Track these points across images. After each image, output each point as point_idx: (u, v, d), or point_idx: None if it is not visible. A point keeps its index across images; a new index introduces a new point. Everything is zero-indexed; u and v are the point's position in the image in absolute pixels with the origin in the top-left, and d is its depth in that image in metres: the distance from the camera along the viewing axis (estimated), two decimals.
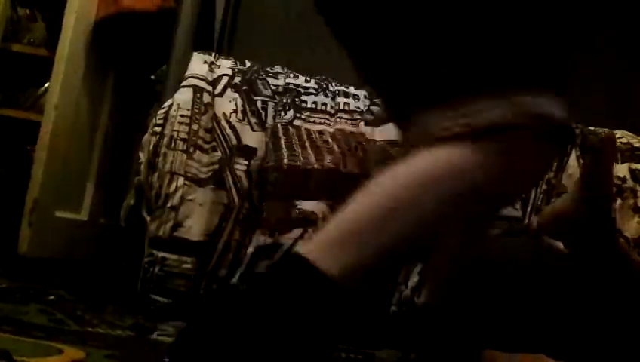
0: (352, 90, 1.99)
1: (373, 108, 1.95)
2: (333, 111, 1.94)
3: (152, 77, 2.59)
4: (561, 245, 1.66)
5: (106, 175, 2.53)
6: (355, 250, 0.94)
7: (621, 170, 1.93)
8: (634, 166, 1.94)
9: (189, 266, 1.80)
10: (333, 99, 1.97)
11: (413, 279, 1.81)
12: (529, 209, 1.90)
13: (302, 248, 0.95)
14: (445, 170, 0.96)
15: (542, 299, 1.31)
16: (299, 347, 0.91)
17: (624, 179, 1.92)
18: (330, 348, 1.05)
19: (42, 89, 2.56)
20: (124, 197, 1.97)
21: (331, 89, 1.99)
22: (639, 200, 1.90)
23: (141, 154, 1.89)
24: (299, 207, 1.82)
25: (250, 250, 1.81)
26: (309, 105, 1.95)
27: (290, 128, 1.90)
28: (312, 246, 0.94)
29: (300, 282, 0.91)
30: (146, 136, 1.88)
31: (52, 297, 1.79)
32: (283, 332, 0.90)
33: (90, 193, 2.49)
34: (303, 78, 2.01)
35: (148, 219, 1.84)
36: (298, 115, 1.92)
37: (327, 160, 1.86)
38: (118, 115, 2.56)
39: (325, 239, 0.95)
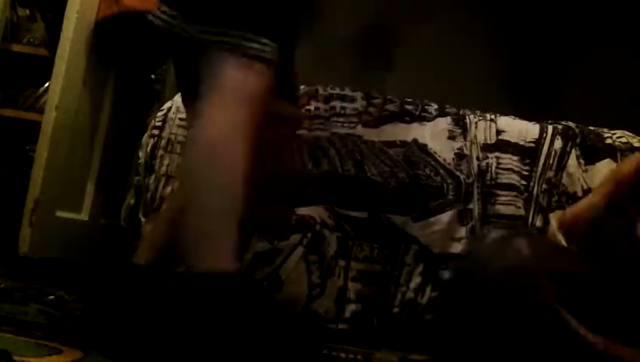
0: (348, 92, 1.99)
1: (371, 109, 1.95)
2: (327, 115, 1.94)
3: (152, 77, 2.60)
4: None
5: (106, 175, 2.53)
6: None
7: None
8: None
9: (182, 269, 1.80)
10: (326, 103, 1.96)
11: (416, 280, 1.81)
12: (532, 208, 1.90)
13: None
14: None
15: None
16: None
17: None
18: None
19: (42, 89, 2.56)
20: (124, 197, 1.98)
21: (322, 93, 1.98)
22: None
23: (140, 155, 1.89)
24: (297, 212, 1.82)
25: (248, 256, 1.81)
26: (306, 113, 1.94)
27: None
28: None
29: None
30: (145, 138, 1.88)
31: (52, 297, 1.79)
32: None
33: (90, 193, 2.49)
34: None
35: (143, 220, 1.84)
36: None
37: (325, 164, 1.86)
38: (118, 115, 2.56)
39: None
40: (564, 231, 1.15)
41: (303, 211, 1.82)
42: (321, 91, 1.98)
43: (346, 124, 1.93)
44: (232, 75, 1.19)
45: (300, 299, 1.78)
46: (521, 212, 1.88)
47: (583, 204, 1.14)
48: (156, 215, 1.74)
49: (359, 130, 1.92)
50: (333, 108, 1.95)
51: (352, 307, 1.79)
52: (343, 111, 1.95)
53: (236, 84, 1.19)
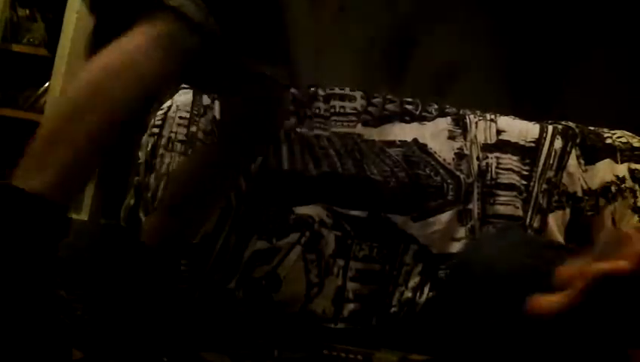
0: (347, 91, 1.99)
1: (371, 108, 1.95)
2: (327, 115, 1.94)
3: None
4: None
5: (106, 175, 2.53)
6: (53, 159, 1.03)
7: (621, 169, 1.93)
8: (633, 166, 1.94)
9: (182, 268, 1.81)
10: (326, 102, 1.96)
11: (414, 280, 1.82)
12: (531, 208, 1.90)
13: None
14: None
15: None
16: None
17: (623, 179, 1.92)
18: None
19: (42, 89, 2.56)
20: (124, 197, 1.97)
21: (321, 93, 1.98)
22: (639, 200, 1.91)
23: (140, 155, 1.89)
24: (296, 211, 1.82)
25: (247, 254, 1.81)
26: (307, 113, 1.94)
27: (292, 134, 1.90)
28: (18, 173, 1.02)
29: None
30: (145, 137, 1.89)
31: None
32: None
33: (90, 193, 2.49)
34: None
35: (144, 219, 1.84)
36: (300, 122, 1.92)
37: (324, 163, 1.86)
38: None
39: (26, 160, 1.04)
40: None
41: (301, 210, 1.82)
42: (321, 91, 1.98)
43: (345, 123, 1.93)
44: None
45: (298, 298, 1.78)
46: (520, 212, 1.88)
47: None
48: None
49: (359, 129, 1.92)
50: (333, 107, 1.95)
51: (350, 306, 1.79)
52: (342, 111, 1.95)
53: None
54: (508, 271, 1.32)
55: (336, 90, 1.99)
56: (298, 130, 1.90)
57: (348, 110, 1.95)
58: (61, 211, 1.01)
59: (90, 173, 1.12)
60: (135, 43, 1.09)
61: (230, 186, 1.69)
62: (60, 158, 1.02)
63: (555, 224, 1.88)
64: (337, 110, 1.95)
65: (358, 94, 1.98)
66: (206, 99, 1.89)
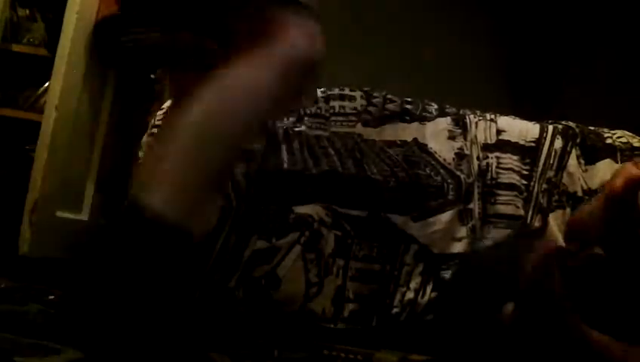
0: (347, 91, 1.99)
1: (371, 108, 1.95)
2: (327, 115, 1.94)
3: (152, 77, 2.60)
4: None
5: (106, 175, 2.53)
6: (173, 179, 0.99)
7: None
8: None
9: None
10: (326, 102, 1.96)
11: (416, 280, 1.81)
12: (531, 207, 1.90)
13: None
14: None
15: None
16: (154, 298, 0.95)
17: None
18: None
19: (42, 89, 2.56)
20: (124, 197, 1.97)
21: (321, 94, 1.98)
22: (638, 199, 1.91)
23: (140, 154, 1.89)
24: (295, 211, 1.82)
25: (246, 254, 1.81)
26: (307, 112, 1.94)
27: (292, 133, 1.90)
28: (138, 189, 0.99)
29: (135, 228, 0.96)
30: (145, 137, 1.88)
31: (52, 297, 1.79)
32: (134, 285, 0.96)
33: (90, 193, 2.49)
34: None
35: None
36: (299, 121, 1.92)
37: (324, 163, 1.86)
38: (118, 114, 2.56)
39: (146, 179, 1.01)
40: (568, 231, 1.16)
41: (301, 210, 1.82)
42: (320, 91, 1.98)
43: (345, 123, 1.94)
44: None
45: (298, 297, 1.78)
46: (521, 212, 1.88)
47: (584, 209, 1.15)
48: None
49: (359, 129, 1.92)
50: (332, 107, 1.95)
51: (350, 306, 1.79)
52: (342, 110, 1.95)
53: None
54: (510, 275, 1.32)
55: (336, 91, 1.99)
56: (296, 128, 1.90)
57: (348, 110, 1.95)
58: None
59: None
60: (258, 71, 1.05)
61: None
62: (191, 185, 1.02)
63: (556, 224, 1.88)
64: (337, 110, 1.95)
65: (357, 94, 1.98)
66: None
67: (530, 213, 1.89)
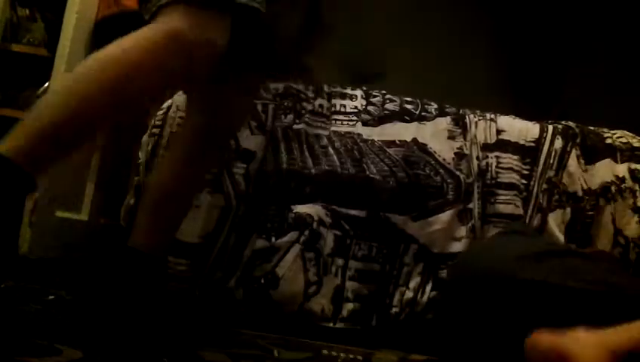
0: (349, 90, 1.99)
1: (371, 108, 1.95)
2: (328, 114, 1.94)
3: None
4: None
5: (106, 175, 2.53)
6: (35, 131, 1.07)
7: (621, 169, 1.93)
8: (633, 166, 1.94)
9: (183, 268, 1.81)
10: (328, 100, 1.96)
11: (415, 280, 1.82)
12: (531, 207, 1.90)
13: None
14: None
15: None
16: None
17: (623, 179, 1.92)
18: None
19: (42, 89, 2.56)
20: (124, 197, 1.98)
21: (326, 90, 1.98)
22: (638, 200, 1.91)
23: (140, 155, 1.89)
24: (295, 210, 1.82)
25: (246, 253, 1.81)
26: (308, 108, 1.94)
27: (290, 132, 1.90)
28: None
29: None
30: (145, 137, 1.89)
31: (52, 297, 1.79)
32: None
33: (90, 193, 2.49)
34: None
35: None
36: (298, 118, 1.92)
37: (324, 162, 1.86)
38: None
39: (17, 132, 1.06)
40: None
41: (300, 209, 1.82)
42: (323, 89, 1.98)
43: (345, 122, 1.94)
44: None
45: (297, 296, 1.79)
46: (520, 211, 1.88)
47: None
48: None
49: (359, 128, 1.92)
50: (334, 105, 1.95)
51: (349, 306, 1.79)
52: (343, 109, 1.95)
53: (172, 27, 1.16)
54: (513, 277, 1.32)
55: (338, 89, 1.99)
56: (296, 126, 1.90)
57: (349, 109, 1.95)
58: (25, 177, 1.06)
59: (69, 150, 1.15)
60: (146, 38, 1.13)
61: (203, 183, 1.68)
62: (37, 127, 1.08)
63: (555, 223, 1.88)
64: (338, 109, 1.95)
65: (358, 93, 1.98)
66: None
67: (529, 212, 1.89)
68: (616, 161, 1.94)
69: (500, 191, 1.90)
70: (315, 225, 1.79)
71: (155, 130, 1.86)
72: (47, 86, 2.40)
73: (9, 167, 1.05)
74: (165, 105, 1.89)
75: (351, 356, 1.55)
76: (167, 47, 1.14)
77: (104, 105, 1.12)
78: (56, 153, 1.13)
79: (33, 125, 1.09)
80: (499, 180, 1.90)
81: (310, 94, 1.95)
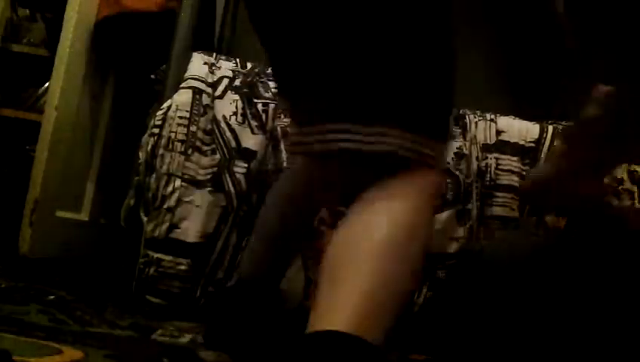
0: None
1: None
2: None
3: (152, 76, 2.59)
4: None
5: (106, 175, 2.53)
6: (382, 314, 0.96)
7: (619, 171, 1.93)
8: (632, 167, 1.94)
9: (184, 268, 1.81)
10: None
11: None
12: (528, 209, 1.90)
13: (333, 325, 0.92)
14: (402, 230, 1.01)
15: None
16: None
17: (622, 181, 1.92)
18: None
19: (42, 89, 2.56)
20: (124, 197, 1.98)
21: None
22: (637, 201, 1.91)
23: (140, 155, 1.89)
24: None
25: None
26: None
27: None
28: (346, 322, 0.93)
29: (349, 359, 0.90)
30: (145, 137, 1.89)
31: (52, 297, 1.79)
32: None
33: (90, 193, 2.49)
34: None
35: (145, 219, 1.84)
36: None
37: None
38: (118, 114, 2.56)
39: (351, 311, 0.94)
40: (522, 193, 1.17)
41: None
42: None
43: None
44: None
45: (297, 294, 1.79)
46: (515, 214, 1.89)
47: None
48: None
49: None
50: None
51: None
52: None
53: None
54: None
55: None
56: None
57: None
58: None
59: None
60: (421, 204, 1.03)
61: None
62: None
63: (554, 223, 1.88)
64: None
65: None
66: (205, 99, 1.89)
67: (524, 214, 1.89)
68: None
69: (498, 193, 1.90)
70: (315, 223, 1.79)
71: (154, 130, 1.86)
72: (47, 86, 2.40)
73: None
74: (165, 104, 1.89)
75: None
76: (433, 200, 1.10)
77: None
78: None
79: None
80: (498, 182, 1.90)
81: None
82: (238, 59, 2.02)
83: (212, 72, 1.94)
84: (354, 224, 1.03)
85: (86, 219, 2.48)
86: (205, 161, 1.86)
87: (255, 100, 1.93)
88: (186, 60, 1.98)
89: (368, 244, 0.99)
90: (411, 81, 1.03)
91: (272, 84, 1.96)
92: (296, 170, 1.52)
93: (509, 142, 1.94)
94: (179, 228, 1.82)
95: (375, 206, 1.02)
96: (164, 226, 1.82)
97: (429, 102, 1.05)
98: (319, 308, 0.97)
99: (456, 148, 1.91)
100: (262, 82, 1.96)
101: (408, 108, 1.02)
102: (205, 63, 1.95)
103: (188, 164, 1.84)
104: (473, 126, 1.95)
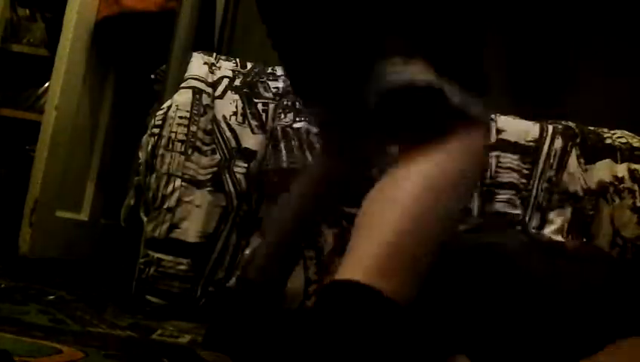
0: None
1: None
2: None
3: (152, 77, 2.59)
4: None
5: (106, 175, 2.53)
6: (406, 266, 0.94)
7: (620, 169, 1.93)
8: (633, 166, 1.94)
9: (184, 268, 1.81)
10: None
11: None
12: (530, 206, 1.90)
13: (353, 275, 0.91)
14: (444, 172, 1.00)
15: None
16: None
17: (622, 179, 1.92)
18: None
19: (42, 89, 2.56)
20: (124, 197, 1.98)
21: None
22: (637, 200, 1.91)
23: (140, 155, 1.89)
24: None
25: (247, 252, 1.81)
26: None
27: (290, 131, 1.90)
28: (366, 272, 0.92)
29: (362, 311, 0.89)
30: (145, 137, 1.88)
31: (52, 297, 1.79)
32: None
33: (90, 193, 2.49)
34: None
35: (145, 219, 1.84)
36: (298, 117, 1.92)
37: None
38: (118, 114, 2.56)
39: (373, 262, 0.93)
40: None
41: None
42: None
43: None
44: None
45: (297, 295, 1.78)
46: (518, 211, 1.88)
47: None
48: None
49: None
50: None
51: None
52: None
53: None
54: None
55: None
56: (295, 125, 1.90)
57: None
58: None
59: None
60: (453, 161, 1.01)
61: None
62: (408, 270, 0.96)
63: (555, 223, 1.88)
64: None
65: None
66: (205, 99, 1.89)
67: (529, 211, 1.89)
68: (616, 161, 1.94)
69: (500, 191, 1.90)
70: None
71: (154, 130, 1.86)
72: (47, 86, 2.40)
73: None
74: (165, 104, 1.89)
75: None
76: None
77: None
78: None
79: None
80: (498, 179, 1.90)
81: None
82: (238, 59, 2.02)
83: (212, 72, 1.94)
84: (387, 177, 1.01)
85: (86, 219, 2.48)
86: (205, 160, 1.86)
87: (255, 100, 1.93)
88: (186, 60, 1.98)
89: (398, 193, 0.97)
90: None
91: (272, 84, 1.96)
92: (313, 170, 1.52)
93: (509, 141, 1.94)
94: (179, 228, 1.82)
95: (410, 157, 1.00)
96: (165, 226, 1.81)
97: (467, 59, 1.06)
98: (345, 257, 0.96)
99: None
100: (262, 82, 1.96)
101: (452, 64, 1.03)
102: (205, 63, 1.95)
103: (188, 164, 1.84)
104: None
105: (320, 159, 1.49)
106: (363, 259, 0.93)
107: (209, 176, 1.85)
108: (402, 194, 0.97)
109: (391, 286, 0.91)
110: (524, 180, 1.90)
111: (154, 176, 1.85)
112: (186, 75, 1.93)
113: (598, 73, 2.27)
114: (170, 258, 1.81)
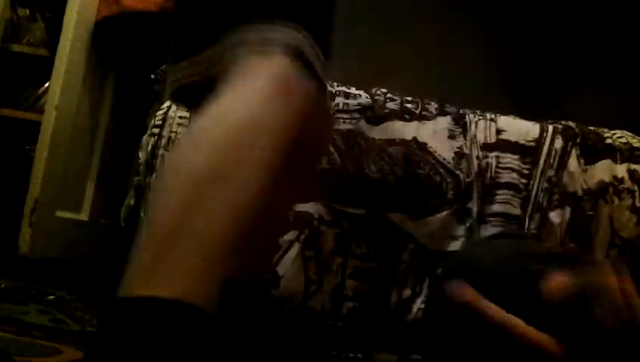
0: (352, 90, 1.99)
1: (372, 106, 1.95)
2: (332, 112, 1.94)
3: (152, 77, 2.60)
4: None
5: (106, 175, 2.53)
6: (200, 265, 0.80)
7: (620, 170, 1.93)
8: (633, 166, 1.94)
9: None
10: (332, 100, 1.97)
11: (412, 279, 1.82)
12: (530, 207, 1.90)
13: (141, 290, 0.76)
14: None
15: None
16: None
17: (622, 180, 1.92)
18: None
19: (42, 89, 2.57)
20: (124, 197, 1.98)
21: (330, 90, 1.99)
22: (637, 200, 1.91)
23: (140, 155, 1.89)
24: (295, 208, 1.82)
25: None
26: None
27: None
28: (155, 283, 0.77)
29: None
30: (145, 137, 1.88)
31: (52, 297, 1.79)
32: None
33: (90, 193, 2.49)
34: None
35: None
36: None
37: (324, 160, 1.86)
38: (119, 114, 2.57)
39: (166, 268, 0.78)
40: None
41: (301, 207, 1.82)
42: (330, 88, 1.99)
43: (348, 120, 1.94)
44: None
45: (297, 295, 1.78)
46: (517, 211, 1.88)
47: None
48: None
49: (360, 126, 1.92)
50: (337, 105, 1.95)
51: (349, 304, 1.79)
52: (346, 107, 1.95)
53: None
54: (498, 277, 1.32)
55: (342, 88, 1.99)
56: None
57: (351, 107, 1.95)
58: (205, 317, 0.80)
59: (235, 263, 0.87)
60: (258, 89, 0.89)
61: None
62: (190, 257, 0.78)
63: (555, 223, 1.88)
64: (341, 107, 1.95)
65: (361, 92, 1.98)
66: None
67: (529, 212, 1.89)
68: (615, 162, 1.94)
69: (499, 191, 1.90)
70: (315, 223, 1.79)
71: (154, 130, 1.86)
72: (47, 86, 2.41)
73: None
74: (165, 104, 1.89)
75: (351, 355, 1.55)
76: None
77: None
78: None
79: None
80: (498, 180, 1.90)
81: None
82: None
83: None
84: (183, 140, 0.90)
85: (86, 219, 2.48)
86: None
87: None
88: None
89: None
90: None
91: None
92: None
93: (509, 141, 1.94)
94: None
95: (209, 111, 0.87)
96: None
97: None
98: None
99: (457, 147, 1.91)
100: None
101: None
102: None
103: None
104: (473, 125, 1.95)
105: None
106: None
107: None
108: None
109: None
110: (524, 180, 1.90)
111: (154, 176, 1.85)
112: None
113: (598, 73, 2.27)
114: None
